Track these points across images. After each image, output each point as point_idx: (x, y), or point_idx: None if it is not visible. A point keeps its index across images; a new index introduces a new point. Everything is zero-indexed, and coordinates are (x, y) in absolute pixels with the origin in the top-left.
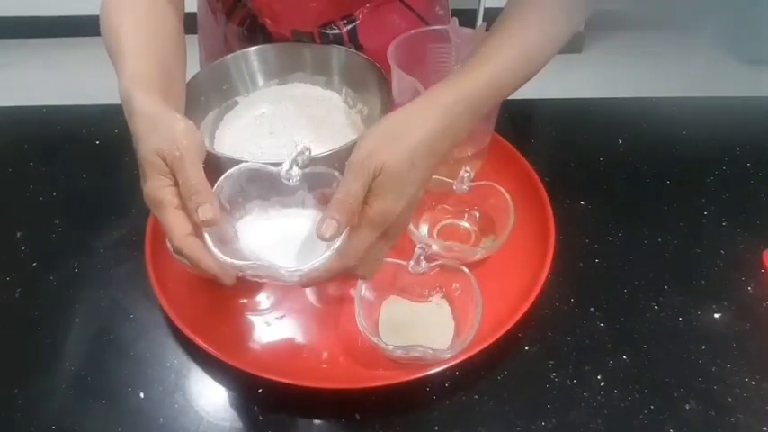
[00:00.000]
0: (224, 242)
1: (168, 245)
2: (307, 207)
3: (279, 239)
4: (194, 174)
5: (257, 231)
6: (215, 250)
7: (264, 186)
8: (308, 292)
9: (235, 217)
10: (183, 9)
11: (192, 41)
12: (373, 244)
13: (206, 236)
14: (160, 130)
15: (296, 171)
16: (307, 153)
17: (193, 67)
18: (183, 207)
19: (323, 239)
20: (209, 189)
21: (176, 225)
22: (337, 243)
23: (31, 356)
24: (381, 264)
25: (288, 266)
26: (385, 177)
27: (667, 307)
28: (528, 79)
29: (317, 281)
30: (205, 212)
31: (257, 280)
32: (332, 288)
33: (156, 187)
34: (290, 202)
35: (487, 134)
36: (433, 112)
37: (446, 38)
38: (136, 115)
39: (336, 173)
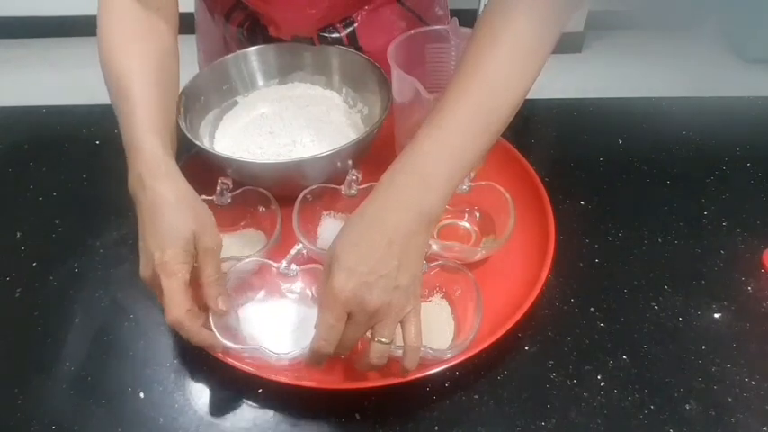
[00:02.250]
0: (227, 326)
1: (168, 315)
2: (303, 296)
3: (275, 325)
4: (218, 267)
5: (257, 317)
6: (217, 334)
7: (265, 276)
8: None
9: (238, 303)
10: (176, 28)
11: (191, 42)
12: (333, 325)
13: (211, 320)
14: (198, 214)
15: (294, 267)
16: (304, 252)
17: (192, 69)
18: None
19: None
20: (222, 283)
21: (183, 300)
22: None
23: (32, 356)
24: (353, 345)
25: (277, 352)
26: (331, 260)
27: (667, 307)
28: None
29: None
30: (225, 302)
31: (253, 361)
32: None
33: (178, 260)
34: (288, 291)
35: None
36: (378, 187)
37: (446, 38)
38: (168, 177)
39: None
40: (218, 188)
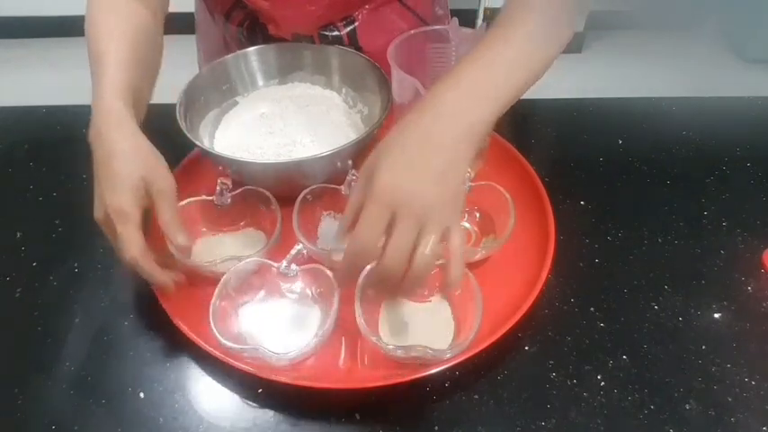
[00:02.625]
0: (227, 326)
1: (122, 255)
2: (303, 296)
3: (275, 325)
4: (173, 208)
5: (257, 317)
6: (215, 331)
7: (265, 276)
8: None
9: (238, 303)
10: (166, 11)
11: (191, 42)
12: (375, 222)
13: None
14: (148, 160)
15: (294, 267)
16: (304, 252)
17: (192, 69)
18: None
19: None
20: (180, 222)
21: (137, 240)
22: (324, 328)
23: (32, 356)
24: (405, 254)
25: (277, 352)
26: (377, 161)
27: (667, 307)
28: (536, 76)
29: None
30: (184, 239)
31: (253, 361)
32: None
33: (128, 203)
34: (288, 291)
35: (488, 135)
36: (422, 102)
37: (446, 38)
38: (122, 128)
39: (329, 271)
40: (218, 188)
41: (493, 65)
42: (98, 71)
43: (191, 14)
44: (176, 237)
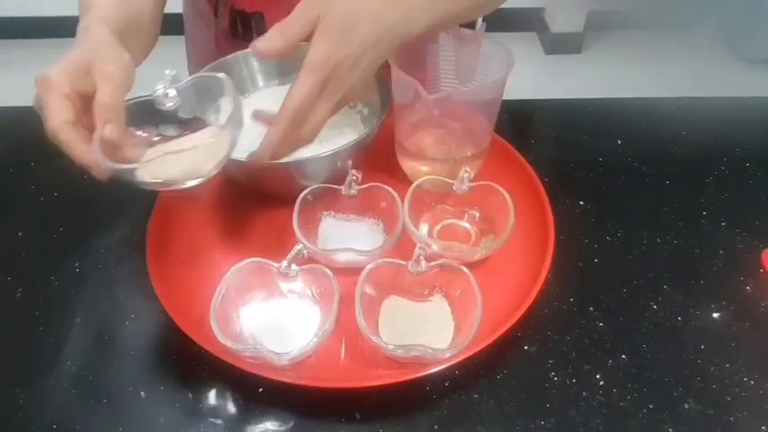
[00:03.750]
0: (228, 325)
1: (45, 126)
2: (303, 296)
3: (275, 325)
4: (116, 94)
5: (257, 317)
6: (216, 331)
7: (265, 276)
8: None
9: (239, 303)
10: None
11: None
12: (312, 92)
13: (96, 143)
14: (102, 46)
15: (294, 267)
16: (304, 252)
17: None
18: (76, 107)
19: (254, 50)
20: (123, 113)
21: (58, 109)
22: (324, 328)
23: (32, 356)
24: (321, 125)
25: (277, 352)
26: (325, 21)
27: (666, 307)
28: None
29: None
30: (112, 130)
31: (253, 361)
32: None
33: (56, 73)
34: (289, 291)
35: (487, 134)
36: None
37: (446, 38)
38: (82, 31)
39: (329, 270)
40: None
41: None
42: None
43: (179, 15)
44: (104, 124)
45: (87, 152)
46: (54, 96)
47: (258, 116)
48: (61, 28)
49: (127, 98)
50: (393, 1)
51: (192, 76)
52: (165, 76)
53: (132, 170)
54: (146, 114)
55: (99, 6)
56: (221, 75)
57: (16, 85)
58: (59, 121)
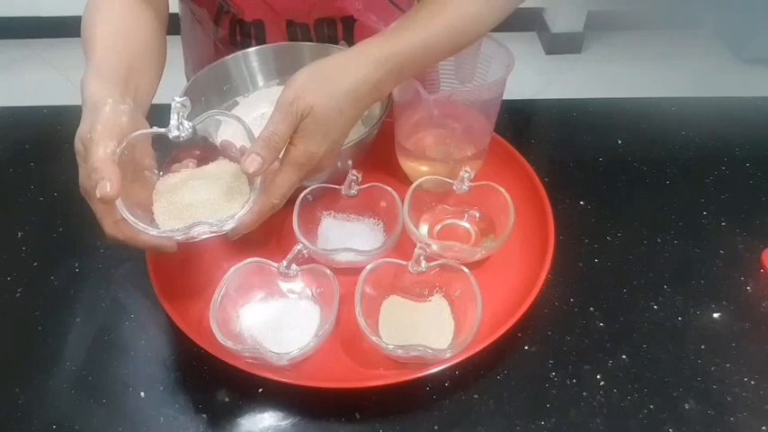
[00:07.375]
0: (228, 325)
1: (106, 236)
2: (303, 296)
3: (275, 325)
4: (96, 152)
5: (257, 317)
6: (216, 331)
7: (265, 276)
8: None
9: (239, 303)
10: (167, 9)
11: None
12: (295, 184)
13: (118, 204)
14: (89, 115)
15: (294, 267)
16: (304, 252)
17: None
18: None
19: (247, 173)
20: (110, 167)
21: (106, 214)
22: (324, 328)
23: (32, 356)
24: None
25: (277, 352)
26: (312, 120)
27: (666, 307)
28: (456, 50)
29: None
30: (102, 189)
31: (253, 361)
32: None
33: (84, 176)
34: (289, 291)
35: (487, 134)
36: (365, 63)
37: None
38: (83, 103)
39: (329, 271)
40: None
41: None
42: (86, 59)
43: (175, 15)
44: (96, 188)
45: (150, 239)
46: (98, 204)
47: (225, 149)
48: (61, 28)
49: (142, 130)
50: (368, 94)
51: (207, 114)
52: (174, 103)
53: (191, 226)
54: (160, 144)
55: (96, 50)
56: (235, 118)
57: (16, 85)
58: (112, 223)
